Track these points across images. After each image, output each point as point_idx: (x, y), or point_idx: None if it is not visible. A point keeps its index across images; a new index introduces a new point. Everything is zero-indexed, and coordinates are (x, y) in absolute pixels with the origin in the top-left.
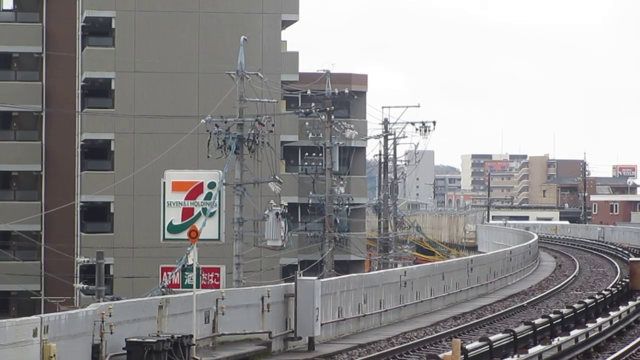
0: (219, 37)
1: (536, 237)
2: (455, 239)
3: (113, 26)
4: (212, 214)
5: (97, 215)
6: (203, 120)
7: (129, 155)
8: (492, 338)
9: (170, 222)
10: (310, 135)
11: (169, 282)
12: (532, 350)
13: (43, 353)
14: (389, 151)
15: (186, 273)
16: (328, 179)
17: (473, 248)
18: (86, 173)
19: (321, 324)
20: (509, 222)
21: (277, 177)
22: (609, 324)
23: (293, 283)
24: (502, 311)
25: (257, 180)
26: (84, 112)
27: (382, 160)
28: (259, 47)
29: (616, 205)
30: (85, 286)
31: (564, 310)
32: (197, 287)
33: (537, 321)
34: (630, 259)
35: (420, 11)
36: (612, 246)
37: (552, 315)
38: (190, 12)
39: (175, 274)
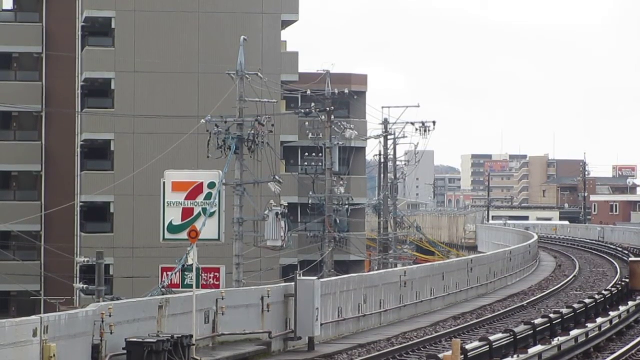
0: (219, 37)
1: (536, 237)
2: (455, 239)
3: (113, 26)
4: (212, 214)
5: (97, 215)
6: (203, 121)
7: (129, 155)
8: (492, 338)
9: (170, 222)
10: (310, 136)
11: (169, 282)
12: (532, 351)
13: (43, 353)
14: (389, 151)
15: (186, 273)
16: (328, 179)
17: (473, 248)
18: (86, 173)
19: (321, 324)
20: (508, 222)
21: (277, 177)
22: (608, 324)
23: (293, 283)
24: (502, 311)
25: (257, 180)
26: (84, 112)
27: (382, 160)
28: (259, 47)
29: (616, 206)
30: (85, 286)
31: (564, 311)
32: (197, 287)
33: (537, 321)
34: (630, 259)
35: (420, 11)
36: (612, 246)
37: (552, 316)
38: (190, 12)
39: (175, 274)
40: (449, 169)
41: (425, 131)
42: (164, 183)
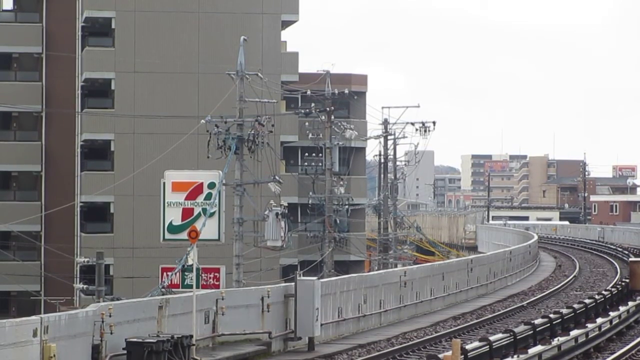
0: (219, 37)
1: (536, 237)
2: (455, 239)
3: (113, 26)
4: (212, 214)
5: (97, 215)
6: (203, 121)
7: (129, 156)
8: (492, 338)
9: (170, 223)
10: (310, 136)
11: (169, 283)
12: (532, 351)
13: (43, 353)
14: (388, 151)
15: (186, 273)
16: (328, 179)
17: (473, 248)
18: (86, 173)
19: (321, 324)
20: (508, 222)
21: (277, 178)
22: (608, 324)
23: (293, 283)
24: (502, 311)
25: (257, 180)
26: (83, 112)
27: (382, 160)
28: (259, 47)
29: (616, 206)
30: (85, 286)
31: (564, 311)
32: (197, 287)
33: (537, 321)
34: (630, 259)
35: (420, 11)
36: (612, 246)
37: (552, 316)
38: (190, 12)
39: (175, 274)
40: (449, 169)
41: (425, 131)
42: (164, 183)
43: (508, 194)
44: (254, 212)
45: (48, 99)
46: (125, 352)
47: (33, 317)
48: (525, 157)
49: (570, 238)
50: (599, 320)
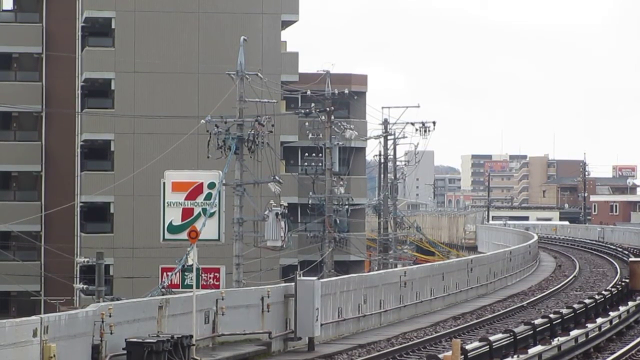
0: (219, 37)
1: (536, 237)
2: (455, 240)
3: (113, 26)
4: (212, 214)
5: (97, 215)
6: (203, 121)
7: (129, 156)
8: (492, 338)
9: (170, 223)
10: (310, 136)
11: (169, 283)
12: (532, 351)
13: (43, 353)
14: (388, 151)
15: (186, 273)
16: (328, 179)
17: (473, 248)
18: (86, 173)
19: (321, 324)
20: (508, 222)
21: (277, 178)
22: (608, 324)
23: (293, 283)
24: (502, 311)
25: (257, 180)
26: (83, 112)
27: (382, 160)
28: (259, 47)
29: (616, 206)
30: (85, 286)
31: (564, 311)
32: (197, 287)
33: (537, 321)
34: (630, 259)
35: (420, 11)
36: (612, 246)
37: (552, 316)
38: (190, 12)
39: (175, 274)
40: (449, 169)
41: (425, 131)
42: (164, 183)
43: (508, 194)
44: (254, 212)
45: (48, 99)
46: (125, 352)
47: (33, 317)
48: (525, 157)
49: (570, 238)
50: (599, 320)
